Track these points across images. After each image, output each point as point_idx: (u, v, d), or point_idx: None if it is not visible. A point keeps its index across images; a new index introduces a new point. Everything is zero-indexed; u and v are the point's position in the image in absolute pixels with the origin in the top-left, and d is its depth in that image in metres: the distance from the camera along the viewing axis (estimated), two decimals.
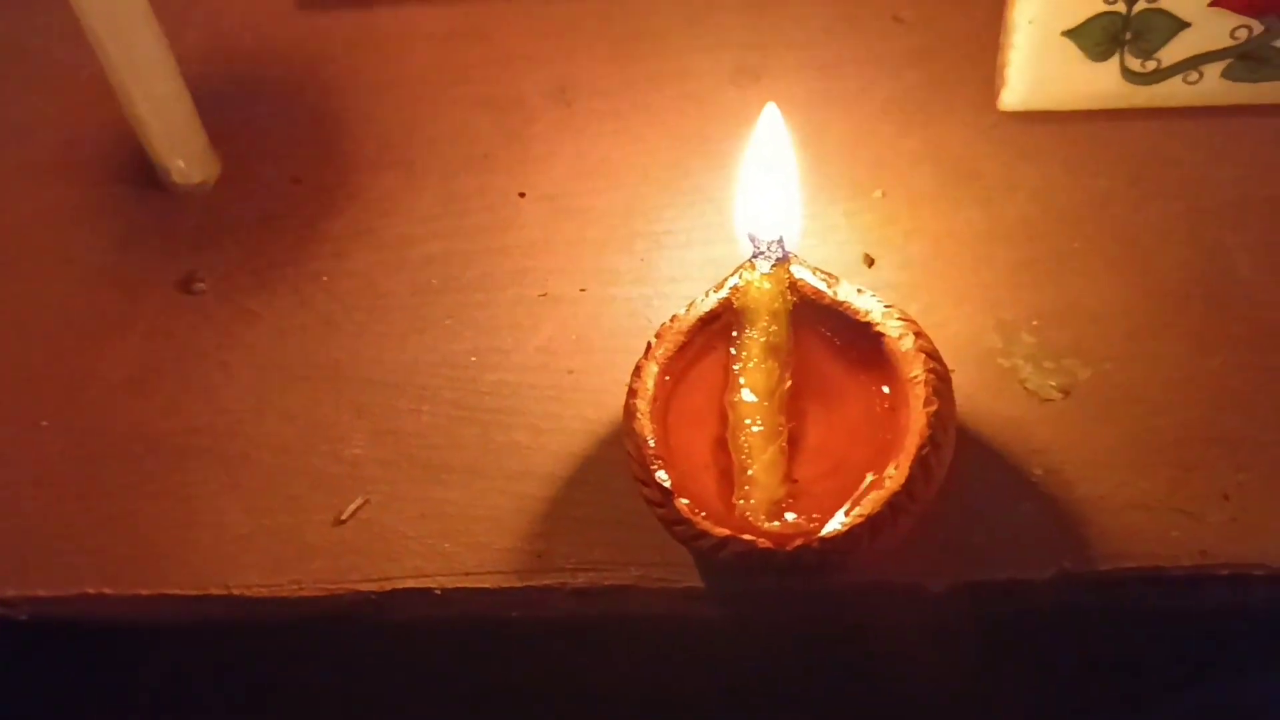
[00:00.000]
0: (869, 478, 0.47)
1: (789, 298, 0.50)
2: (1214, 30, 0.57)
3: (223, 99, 0.66)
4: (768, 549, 0.45)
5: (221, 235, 0.62)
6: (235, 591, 0.53)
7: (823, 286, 0.50)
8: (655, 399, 0.49)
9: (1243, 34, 0.57)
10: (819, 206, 0.59)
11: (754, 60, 0.65)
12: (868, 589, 0.50)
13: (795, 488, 0.48)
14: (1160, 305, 0.56)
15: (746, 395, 0.49)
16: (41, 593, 0.53)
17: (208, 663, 0.58)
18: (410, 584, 0.52)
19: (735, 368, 0.49)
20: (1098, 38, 0.58)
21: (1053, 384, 0.53)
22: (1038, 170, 0.60)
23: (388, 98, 0.66)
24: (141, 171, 0.64)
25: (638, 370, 0.49)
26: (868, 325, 0.49)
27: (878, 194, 0.59)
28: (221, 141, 0.64)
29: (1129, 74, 0.59)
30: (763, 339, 0.49)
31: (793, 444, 0.49)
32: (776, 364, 0.49)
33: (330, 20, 0.69)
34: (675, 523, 0.47)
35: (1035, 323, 0.55)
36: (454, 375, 0.56)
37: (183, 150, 0.62)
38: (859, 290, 0.49)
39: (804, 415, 0.49)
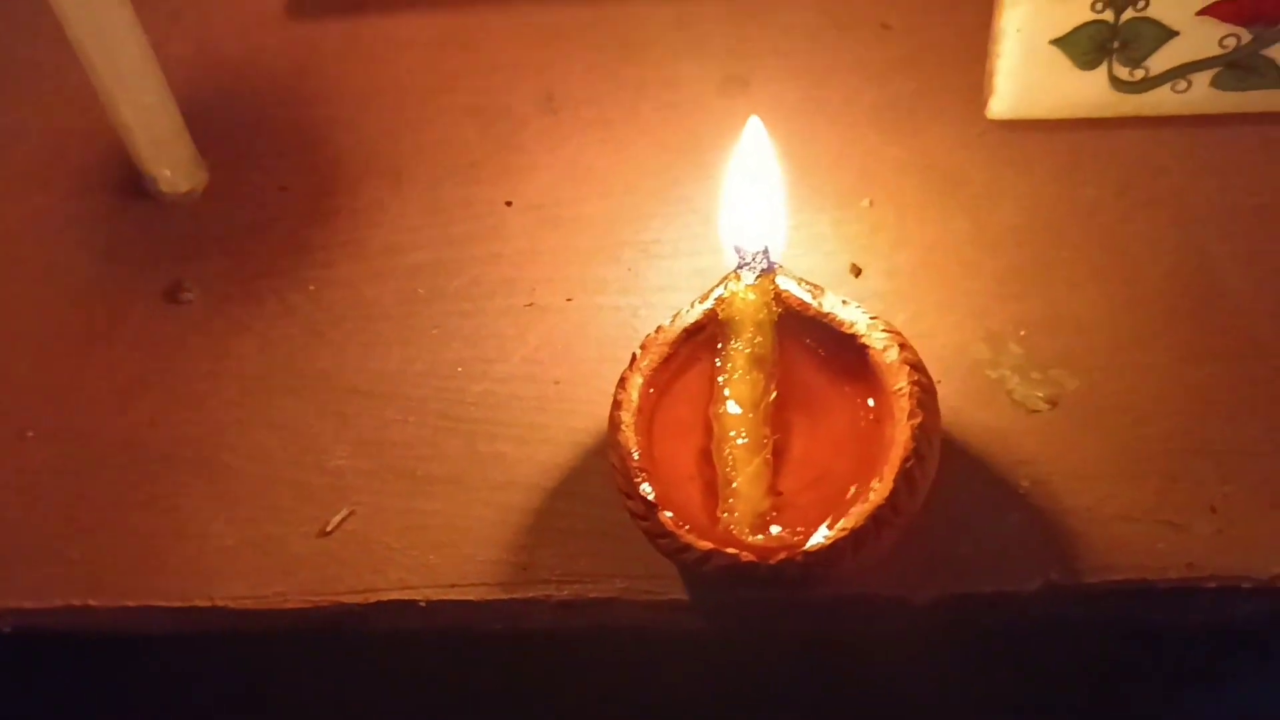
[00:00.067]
0: (854, 490, 0.47)
1: (774, 309, 0.49)
2: (1202, 39, 0.57)
3: (210, 107, 0.66)
4: (751, 562, 0.45)
5: (209, 244, 0.62)
6: (221, 603, 0.53)
7: (808, 298, 0.49)
8: (640, 411, 0.48)
9: (1231, 43, 0.57)
10: (806, 215, 0.59)
11: (742, 68, 0.65)
12: (853, 601, 0.50)
13: (780, 500, 0.48)
14: (1148, 315, 0.55)
15: (731, 407, 0.48)
16: (27, 604, 0.53)
17: (193, 674, 0.58)
18: (395, 596, 0.52)
19: (720, 379, 0.49)
20: (1086, 46, 0.57)
21: (1040, 395, 0.53)
22: (1026, 179, 0.60)
23: (375, 106, 0.66)
24: (128, 180, 0.64)
25: (622, 382, 0.49)
26: (852, 337, 0.48)
27: (865, 203, 0.59)
28: (209, 150, 0.64)
29: (1117, 83, 0.58)
30: (748, 350, 0.49)
31: (777, 455, 0.49)
32: (761, 375, 0.49)
33: (318, 28, 0.69)
34: (659, 536, 0.46)
35: (1023, 333, 0.55)
36: (440, 385, 0.56)
37: (169, 160, 0.62)
38: (844, 302, 0.49)
39: (789, 426, 0.49)
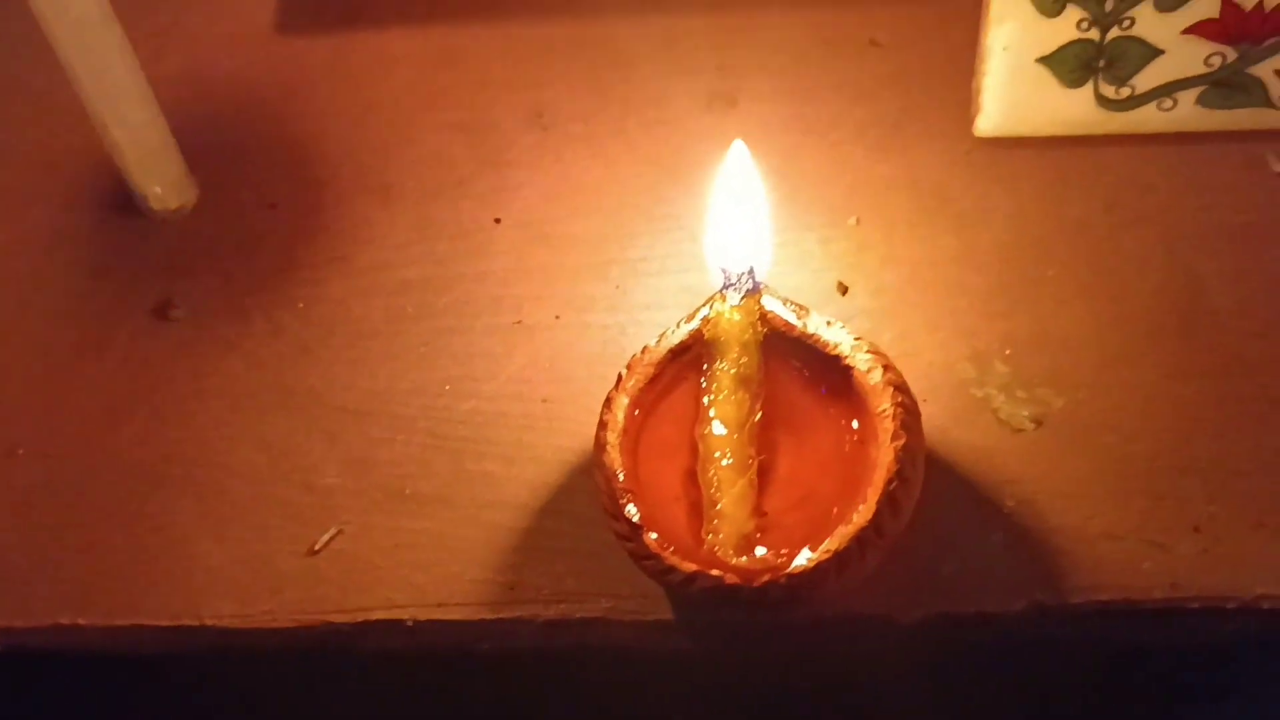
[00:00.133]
0: (838, 511, 0.47)
1: (759, 329, 0.50)
2: (1188, 57, 0.57)
3: (200, 123, 0.66)
4: (735, 584, 0.46)
5: (198, 261, 0.62)
6: (209, 622, 0.53)
7: (793, 318, 0.50)
8: (625, 431, 0.49)
9: (1216, 61, 0.57)
10: (794, 233, 0.59)
11: (730, 85, 0.65)
12: (838, 621, 0.50)
13: (765, 520, 0.48)
14: (1134, 333, 0.56)
15: (717, 428, 0.49)
16: (16, 623, 0.53)
17: (182, 693, 0.58)
18: (382, 615, 0.52)
19: (705, 400, 0.49)
20: (1072, 65, 0.58)
21: (1025, 414, 0.53)
22: (1013, 196, 0.60)
23: (364, 122, 0.66)
24: (119, 196, 0.64)
25: (608, 402, 0.49)
26: (837, 358, 0.49)
27: (852, 221, 0.59)
28: (199, 166, 0.64)
29: (1103, 100, 0.59)
30: (733, 370, 0.49)
31: (763, 475, 0.49)
32: (747, 395, 0.49)
33: (308, 44, 0.69)
34: (644, 557, 0.47)
35: (1008, 351, 0.55)
36: (428, 403, 0.56)
37: (159, 177, 0.62)
38: (829, 323, 0.49)
39: (775, 446, 0.49)
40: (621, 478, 0.47)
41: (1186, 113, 0.59)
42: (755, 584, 0.45)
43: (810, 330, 0.49)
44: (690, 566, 0.46)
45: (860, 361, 0.48)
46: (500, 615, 0.52)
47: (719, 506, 0.47)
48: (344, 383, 0.57)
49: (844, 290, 0.57)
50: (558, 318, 0.58)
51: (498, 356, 0.57)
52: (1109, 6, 0.56)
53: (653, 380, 0.50)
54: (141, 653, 0.54)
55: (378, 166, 0.64)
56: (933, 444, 0.53)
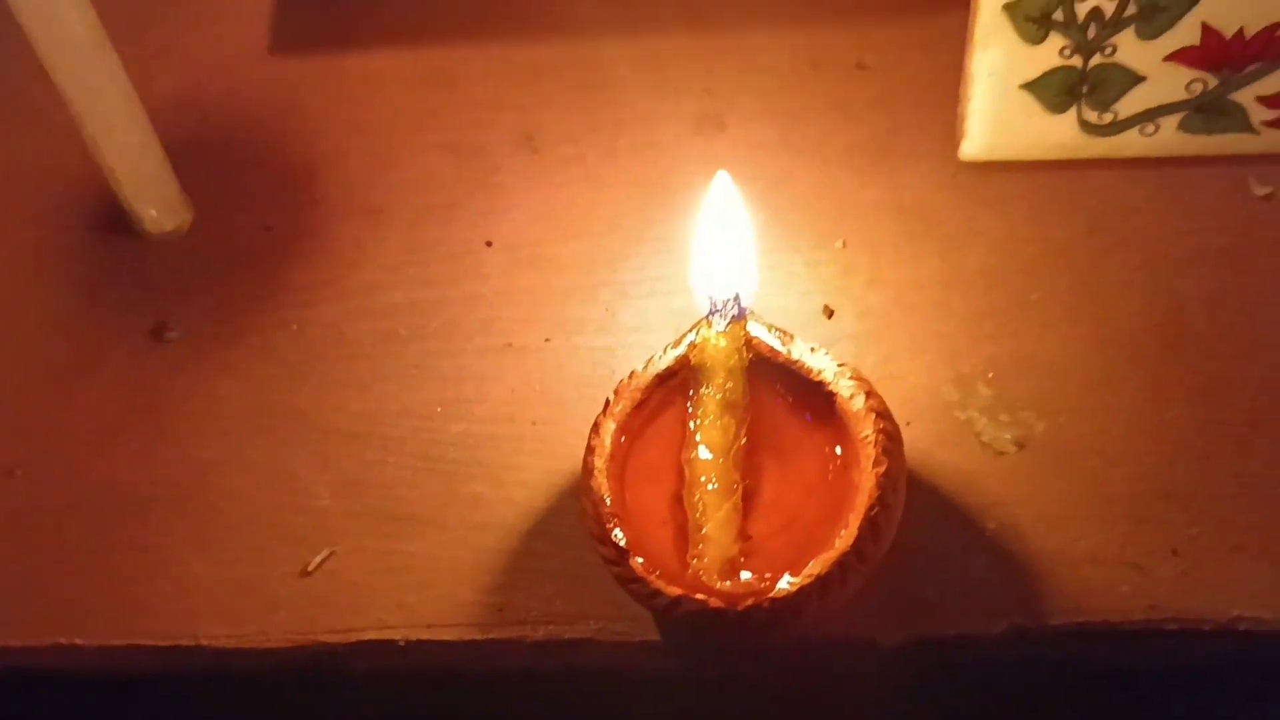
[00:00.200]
0: (821, 535, 0.48)
1: (745, 355, 0.50)
2: (1169, 84, 0.58)
3: (195, 145, 0.67)
4: (719, 608, 0.46)
5: (193, 283, 0.63)
6: (204, 642, 0.54)
7: (778, 344, 0.50)
8: (612, 456, 0.49)
9: (1198, 88, 0.58)
10: (781, 256, 0.60)
11: (718, 107, 0.65)
12: (821, 644, 0.50)
13: (749, 544, 0.49)
14: (1117, 357, 0.56)
15: (702, 453, 0.49)
16: (13, 643, 0.54)
17: (176, 712, 0.58)
18: (374, 636, 0.53)
19: (692, 424, 0.50)
20: (1055, 90, 0.58)
21: (1008, 437, 0.54)
22: (998, 219, 0.60)
23: (356, 144, 0.67)
24: (115, 218, 0.65)
25: (595, 427, 0.50)
26: (821, 384, 0.49)
27: (839, 244, 0.60)
28: (194, 188, 0.65)
29: (1086, 126, 0.59)
30: (719, 396, 0.50)
31: (748, 500, 0.49)
32: (733, 421, 0.50)
33: (301, 65, 0.70)
34: (630, 581, 0.47)
35: (991, 374, 0.56)
36: (418, 425, 0.57)
37: (154, 199, 0.62)
38: (812, 349, 0.50)
39: (759, 471, 0.50)
40: (608, 502, 0.48)
41: (1169, 138, 0.59)
42: (739, 608, 0.46)
43: (795, 356, 0.50)
44: (675, 590, 0.46)
45: (843, 388, 0.49)
46: (490, 636, 0.52)
47: (704, 531, 0.48)
48: (336, 405, 0.58)
49: (830, 313, 0.58)
50: (548, 340, 0.59)
51: (488, 379, 0.58)
52: (1091, 34, 0.57)
53: (639, 405, 0.50)
54: (137, 673, 0.55)
55: (369, 188, 0.65)
56: (916, 466, 0.53)
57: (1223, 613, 0.50)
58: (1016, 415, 0.55)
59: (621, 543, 0.47)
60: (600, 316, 0.59)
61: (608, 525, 0.48)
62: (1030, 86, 0.58)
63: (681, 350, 0.51)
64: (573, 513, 0.53)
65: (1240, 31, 0.56)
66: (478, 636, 0.52)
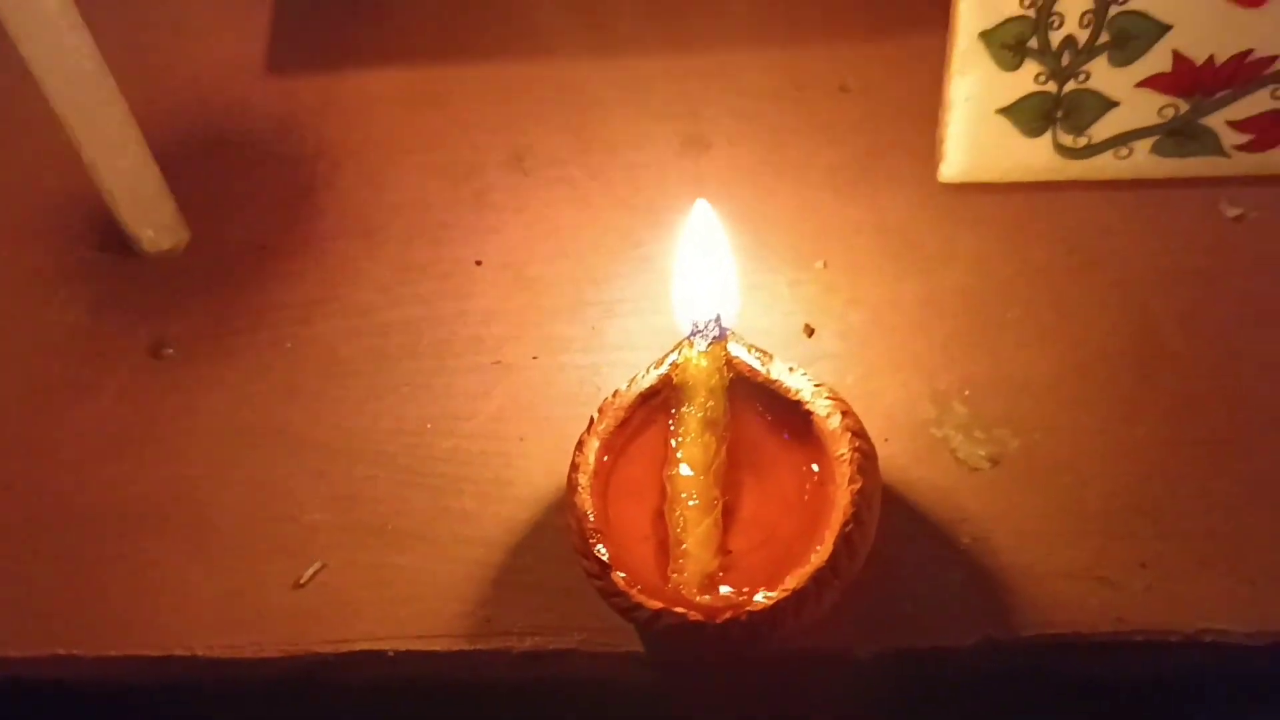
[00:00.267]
0: (798, 550, 0.49)
1: (725, 375, 0.52)
2: (1142, 109, 0.60)
3: (192, 163, 0.68)
4: (698, 621, 0.48)
5: (190, 301, 0.64)
6: (199, 653, 0.55)
7: (757, 364, 0.52)
8: (596, 473, 0.51)
9: (1169, 112, 0.59)
10: (763, 276, 0.61)
11: (704, 129, 0.67)
12: (799, 656, 0.52)
13: (729, 559, 0.50)
14: (1091, 376, 0.58)
15: (684, 469, 0.51)
16: (12, 654, 0.55)
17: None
18: (364, 646, 0.54)
19: (673, 442, 0.51)
20: (1031, 115, 0.60)
21: (982, 453, 0.55)
22: (976, 240, 0.62)
23: (351, 164, 0.68)
24: (113, 236, 0.66)
25: (579, 445, 0.51)
26: (798, 403, 0.51)
27: (820, 264, 0.61)
28: (191, 206, 0.67)
29: (1061, 149, 0.61)
30: (700, 414, 0.51)
31: (728, 515, 0.51)
32: (713, 439, 0.51)
33: (297, 87, 0.71)
34: (612, 595, 0.49)
35: (967, 392, 0.57)
36: (409, 441, 0.58)
37: (151, 220, 0.64)
38: (791, 369, 0.51)
39: (739, 488, 0.52)
40: (591, 518, 0.50)
41: (1142, 160, 0.61)
42: (717, 621, 0.47)
43: (773, 376, 0.51)
44: (655, 604, 0.48)
45: (820, 407, 0.50)
46: (477, 647, 0.54)
47: (684, 546, 0.50)
48: (329, 421, 0.59)
49: (810, 332, 0.59)
50: (535, 358, 0.60)
51: (477, 396, 0.59)
52: (1065, 61, 0.58)
53: (623, 423, 0.52)
54: (134, 683, 0.56)
55: (363, 208, 0.66)
56: (893, 482, 0.55)
57: (1189, 625, 0.51)
58: (991, 432, 0.56)
59: (604, 557, 0.49)
60: (586, 335, 0.61)
61: (591, 540, 0.49)
62: (1007, 111, 0.60)
63: (664, 370, 0.52)
64: (559, 527, 0.54)
65: (1210, 59, 0.57)
66: (465, 647, 0.54)
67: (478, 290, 0.63)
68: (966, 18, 0.57)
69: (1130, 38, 0.57)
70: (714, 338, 0.52)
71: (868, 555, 0.50)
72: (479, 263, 0.63)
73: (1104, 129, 0.60)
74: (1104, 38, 0.57)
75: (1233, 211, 0.61)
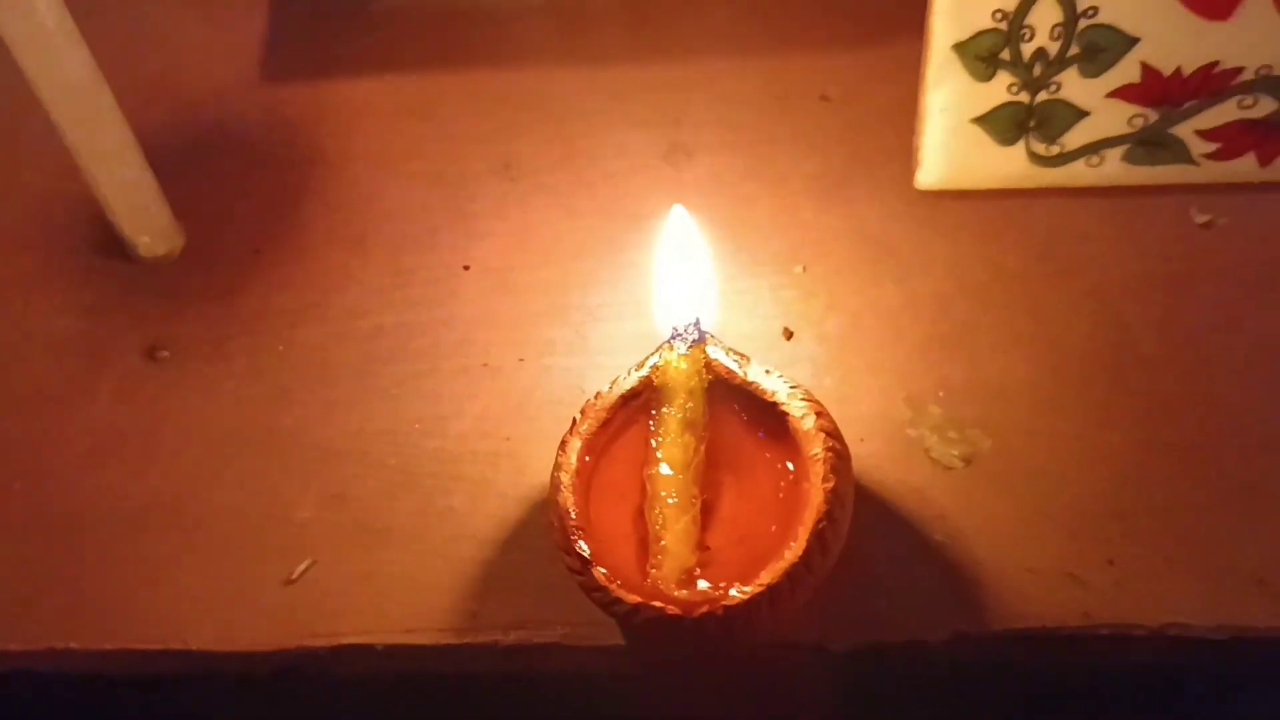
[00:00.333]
0: (774, 546, 0.51)
1: (704, 377, 0.53)
2: (1112, 118, 0.61)
3: (187, 170, 0.69)
4: (676, 616, 0.49)
5: (185, 305, 0.65)
6: (193, 646, 0.56)
7: (735, 367, 0.53)
8: (578, 472, 0.52)
9: (1139, 122, 0.61)
10: (744, 281, 0.63)
11: (687, 137, 0.68)
12: (776, 649, 0.53)
13: (707, 555, 0.51)
14: (1064, 379, 0.59)
15: (663, 469, 0.52)
16: (12, 647, 0.57)
17: (167, 713, 0.61)
18: (354, 640, 0.56)
19: (654, 442, 0.53)
20: (1004, 125, 0.61)
21: (956, 453, 0.57)
22: (952, 246, 0.63)
23: (343, 172, 0.69)
24: (110, 241, 0.67)
25: (562, 445, 0.53)
26: (774, 405, 0.52)
27: (799, 269, 0.63)
28: (186, 213, 0.68)
29: (1035, 157, 0.62)
30: (680, 415, 0.53)
31: (706, 513, 0.52)
32: (692, 439, 0.53)
33: (290, 96, 0.73)
34: (592, 590, 0.50)
35: (942, 394, 0.59)
36: (398, 442, 0.60)
37: (148, 226, 0.65)
38: (767, 371, 0.53)
39: (718, 486, 0.53)
40: (573, 515, 0.51)
41: (1114, 169, 0.63)
42: (694, 615, 0.49)
43: (750, 378, 0.53)
44: (634, 598, 0.49)
45: (795, 408, 0.52)
46: (464, 641, 0.55)
47: (663, 543, 0.51)
48: (320, 423, 0.61)
49: (789, 335, 0.61)
50: (521, 361, 0.62)
51: (464, 398, 0.61)
52: (1037, 72, 0.60)
53: (604, 424, 0.53)
54: (130, 676, 0.57)
55: (355, 215, 0.68)
56: (869, 480, 0.56)
57: (1154, 620, 0.53)
58: (965, 433, 0.57)
59: (585, 553, 0.50)
60: (571, 339, 0.62)
61: (572, 537, 0.51)
62: (981, 121, 0.61)
63: (645, 372, 0.53)
64: (543, 525, 0.55)
65: (1178, 70, 0.59)
66: (452, 641, 0.55)
67: (465, 295, 0.64)
68: (940, 30, 0.59)
69: (1099, 50, 0.58)
70: (693, 341, 0.53)
71: (841, 551, 0.51)
72: (467, 268, 0.65)
73: (1076, 138, 0.61)
74: (1074, 50, 0.59)
75: (1202, 218, 0.62)
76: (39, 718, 0.62)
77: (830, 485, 0.50)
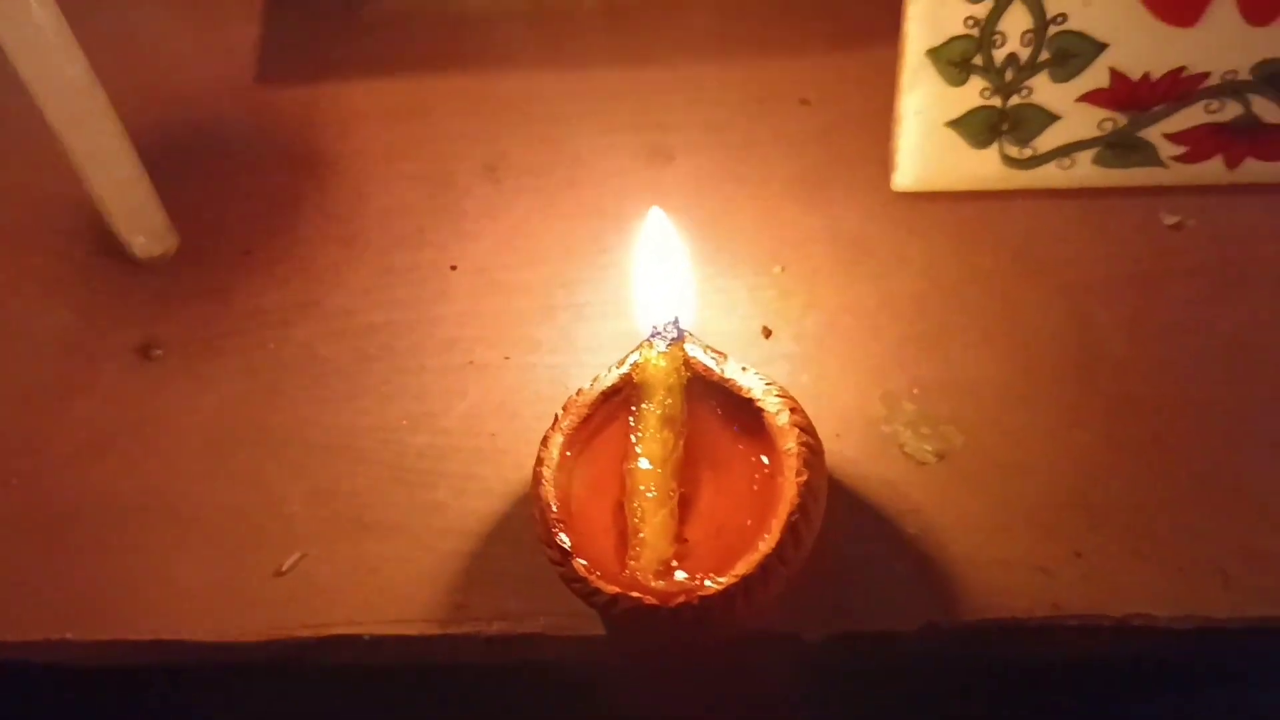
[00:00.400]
0: (750, 538, 0.52)
1: (683, 374, 0.55)
2: (1083, 122, 0.63)
3: (181, 172, 0.71)
4: (653, 605, 0.50)
5: (178, 304, 0.67)
6: (186, 637, 0.58)
7: (712, 364, 0.55)
8: (560, 467, 0.54)
9: (1108, 126, 0.62)
10: (724, 281, 0.64)
11: (670, 140, 0.70)
12: (752, 639, 0.55)
13: (685, 547, 0.53)
14: (1035, 376, 0.60)
15: (643, 463, 0.54)
16: (10, 638, 0.58)
17: (162, 701, 0.63)
18: (343, 631, 0.57)
19: (633, 437, 0.54)
20: (978, 128, 0.63)
21: (929, 449, 0.59)
22: (928, 246, 0.65)
23: (333, 173, 0.71)
24: (106, 244, 0.69)
25: (545, 440, 0.54)
26: (750, 401, 0.54)
27: (778, 270, 0.64)
28: (180, 214, 0.69)
29: (1008, 160, 0.64)
30: (659, 411, 0.54)
31: (684, 506, 0.54)
32: (671, 434, 0.54)
33: (283, 99, 0.74)
34: (573, 580, 0.52)
35: (916, 391, 0.60)
36: (386, 438, 0.61)
37: (142, 227, 0.67)
38: (744, 368, 0.55)
39: (696, 480, 0.54)
40: (554, 509, 0.53)
41: (1084, 171, 0.64)
42: (671, 605, 0.50)
43: (727, 375, 0.54)
44: (613, 589, 0.51)
45: (770, 404, 0.53)
46: (449, 631, 0.57)
47: (642, 535, 0.52)
48: (310, 419, 0.62)
49: (768, 334, 0.62)
50: (507, 358, 0.63)
51: (451, 395, 0.62)
52: (1008, 77, 0.61)
53: (586, 420, 0.55)
54: (125, 666, 0.59)
55: (344, 215, 0.69)
56: (844, 475, 0.58)
57: (1119, 610, 0.54)
58: (938, 429, 0.59)
59: (566, 545, 0.52)
60: (555, 337, 0.64)
61: (553, 530, 0.52)
62: (955, 124, 0.63)
63: (625, 369, 0.55)
64: (527, 518, 0.57)
65: (1146, 75, 0.61)
66: (438, 631, 0.56)
67: (453, 294, 0.65)
68: (914, 36, 0.60)
69: (1069, 55, 0.60)
70: (672, 339, 0.54)
71: (815, 544, 0.52)
72: (454, 268, 0.66)
73: (1047, 141, 0.63)
74: (1044, 55, 0.60)
75: (1171, 219, 0.64)
76: (34, 709, 0.63)
77: (803, 479, 0.51)
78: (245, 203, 0.71)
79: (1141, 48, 0.60)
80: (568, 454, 0.54)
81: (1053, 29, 0.59)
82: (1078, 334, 0.62)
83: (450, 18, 0.76)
